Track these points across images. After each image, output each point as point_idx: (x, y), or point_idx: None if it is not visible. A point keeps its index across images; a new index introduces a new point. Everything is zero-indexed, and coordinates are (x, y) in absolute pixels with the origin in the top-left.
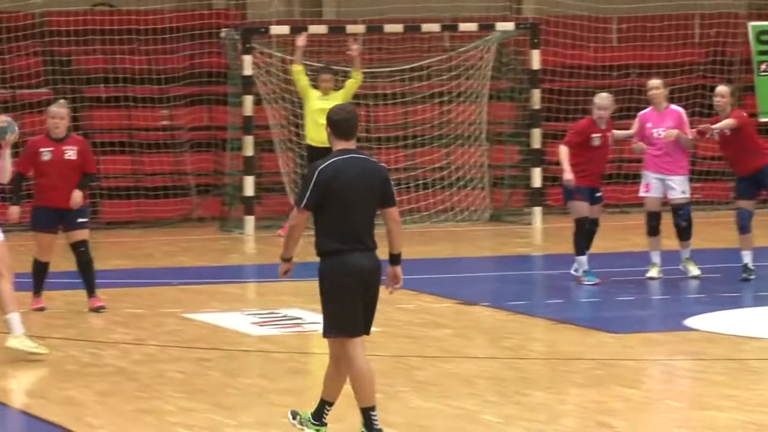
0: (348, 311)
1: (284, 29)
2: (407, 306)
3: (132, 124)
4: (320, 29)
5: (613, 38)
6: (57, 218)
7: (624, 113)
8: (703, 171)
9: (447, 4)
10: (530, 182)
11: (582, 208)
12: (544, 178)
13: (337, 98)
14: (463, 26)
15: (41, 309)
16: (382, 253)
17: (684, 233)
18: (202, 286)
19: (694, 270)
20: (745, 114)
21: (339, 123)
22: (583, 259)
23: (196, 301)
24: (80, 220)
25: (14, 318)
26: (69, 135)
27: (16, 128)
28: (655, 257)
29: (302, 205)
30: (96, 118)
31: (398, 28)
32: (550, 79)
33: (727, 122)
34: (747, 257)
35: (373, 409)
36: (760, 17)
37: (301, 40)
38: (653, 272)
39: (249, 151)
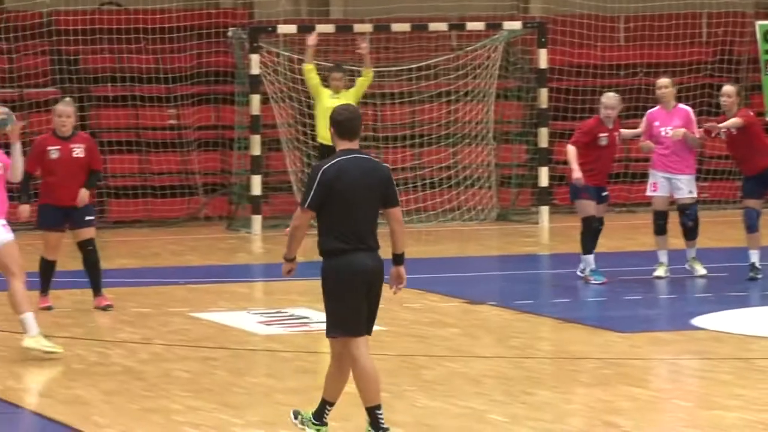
0: (351, 311)
1: (291, 28)
2: (414, 305)
3: (139, 123)
4: (327, 28)
5: (620, 37)
6: (64, 216)
7: (631, 112)
8: (711, 170)
9: (454, 3)
10: (537, 181)
11: (589, 207)
12: (551, 178)
13: (348, 96)
14: (471, 25)
15: (48, 308)
16: (385, 253)
17: (690, 233)
18: (209, 286)
19: (700, 269)
20: (751, 113)
21: (342, 123)
22: (590, 258)
23: (203, 300)
24: (87, 218)
25: (29, 318)
26: (76, 133)
27: (15, 119)
28: (663, 256)
29: (305, 205)
30: (103, 117)
31: (405, 27)
32: (557, 78)
33: (733, 121)
34: (754, 256)
35: (378, 408)
36: (767, 16)
37: (312, 39)
38: (660, 271)
39: (256, 150)
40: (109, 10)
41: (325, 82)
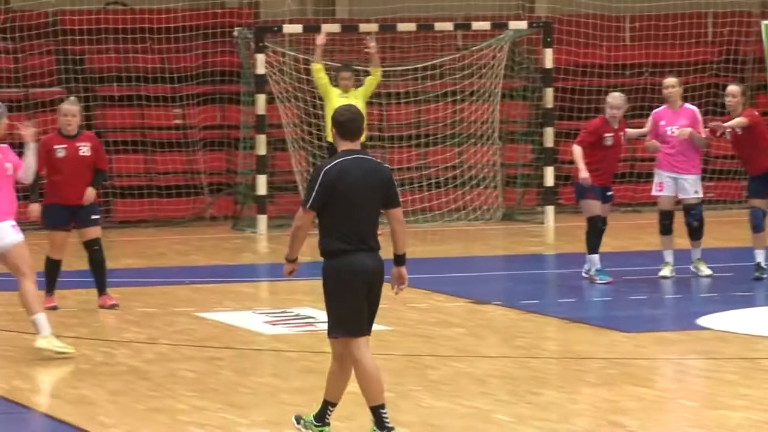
0: (352, 311)
1: (297, 28)
2: (419, 305)
3: (145, 123)
4: (333, 28)
5: (626, 37)
6: (70, 215)
7: (637, 112)
8: (716, 170)
9: (460, 2)
10: (543, 181)
11: (594, 206)
12: (557, 177)
13: (357, 95)
14: (476, 25)
15: (54, 308)
16: (387, 253)
17: (695, 233)
18: (214, 285)
19: (705, 270)
20: (756, 113)
21: (344, 124)
22: (596, 257)
23: (209, 300)
24: (93, 217)
25: (41, 318)
26: (81, 132)
27: (6, 116)
28: (668, 256)
29: (308, 206)
30: (109, 116)
31: (411, 26)
32: (563, 78)
33: (738, 121)
34: (760, 256)
35: (383, 407)
36: None
37: (320, 39)
38: (666, 271)
39: (262, 149)
40: (114, 10)
41: (334, 81)
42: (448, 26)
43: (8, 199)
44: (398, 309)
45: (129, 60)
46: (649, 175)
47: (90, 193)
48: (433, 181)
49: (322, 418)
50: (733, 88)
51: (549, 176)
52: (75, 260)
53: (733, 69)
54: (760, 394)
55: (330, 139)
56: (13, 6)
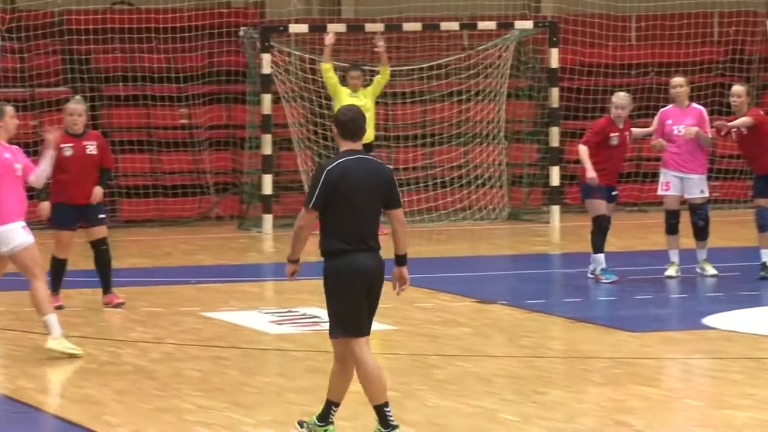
0: (352, 311)
1: (303, 28)
2: (425, 304)
3: (151, 123)
4: (339, 28)
5: (631, 36)
6: (78, 215)
7: (642, 112)
8: (722, 169)
9: (465, 2)
10: (548, 181)
11: (600, 206)
12: (563, 177)
13: (366, 95)
14: (482, 24)
15: (59, 307)
16: (388, 253)
17: (701, 233)
18: (220, 285)
19: (711, 270)
20: (762, 112)
21: (346, 124)
22: (601, 257)
23: (214, 299)
24: (100, 216)
25: (52, 319)
26: (87, 131)
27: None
28: (674, 256)
29: (310, 205)
30: (115, 116)
31: (417, 26)
32: (568, 78)
33: (743, 120)
34: (766, 255)
35: (386, 405)
36: None
37: (329, 39)
38: (671, 271)
39: (267, 149)
40: (120, 10)
41: (342, 81)
42: (454, 26)
43: (18, 199)
44: (404, 308)
45: (135, 60)
46: (655, 175)
47: (98, 192)
48: (439, 180)
49: (325, 417)
50: (738, 88)
51: (555, 176)
52: (81, 260)
53: (738, 69)
54: (765, 393)
55: None
56: (19, 6)
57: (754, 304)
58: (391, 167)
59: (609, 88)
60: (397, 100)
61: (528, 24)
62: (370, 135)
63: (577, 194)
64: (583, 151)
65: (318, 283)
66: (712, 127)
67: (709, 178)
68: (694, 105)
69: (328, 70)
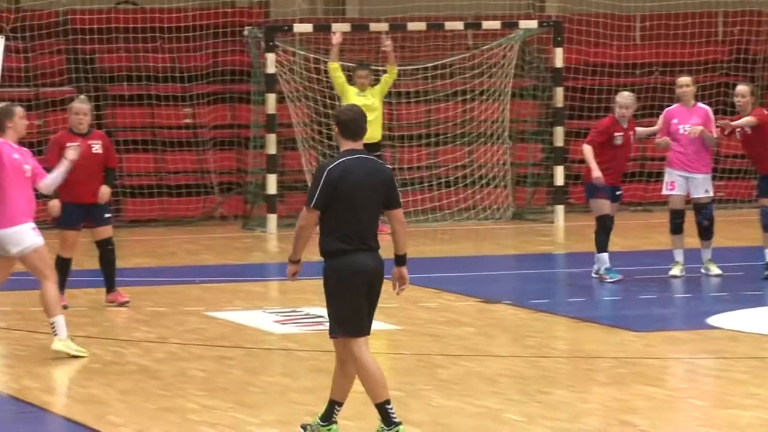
0: (352, 311)
1: (307, 27)
2: (429, 304)
3: (155, 122)
4: (343, 27)
5: (636, 36)
6: (84, 214)
7: (647, 111)
8: (726, 169)
9: (470, 1)
10: (553, 180)
11: (604, 206)
12: (567, 176)
13: (374, 94)
14: (486, 24)
15: (64, 307)
16: (387, 253)
17: (706, 232)
18: (224, 285)
19: (715, 270)
20: (766, 112)
21: (347, 123)
22: (605, 256)
23: (219, 299)
24: (106, 215)
25: (60, 321)
26: (92, 130)
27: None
28: (678, 255)
29: (311, 205)
30: (119, 116)
31: (421, 26)
32: (573, 77)
33: (747, 120)
34: None
35: (388, 402)
36: None
37: (336, 38)
38: (676, 270)
39: (272, 149)
40: (125, 9)
41: (350, 80)
42: (459, 25)
43: (27, 200)
44: (408, 308)
45: (139, 59)
46: (660, 175)
47: (105, 192)
48: (443, 180)
49: (328, 417)
50: (742, 88)
51: (559, 175)
52: (85, 259)
53: (743, 68)
54: None
55: None
56: (24, 5)
57: (759, 303)
58: (395, 167)
59: (613, 87)
60: (402, 100)
61: (532, 23)
62: (377, 134)
63: (582, 194)
64: (587, 150)
65: (321, 283)
66: (716, 126)
67: (713, 178)
68: (700, 105)
69: (335, 69)
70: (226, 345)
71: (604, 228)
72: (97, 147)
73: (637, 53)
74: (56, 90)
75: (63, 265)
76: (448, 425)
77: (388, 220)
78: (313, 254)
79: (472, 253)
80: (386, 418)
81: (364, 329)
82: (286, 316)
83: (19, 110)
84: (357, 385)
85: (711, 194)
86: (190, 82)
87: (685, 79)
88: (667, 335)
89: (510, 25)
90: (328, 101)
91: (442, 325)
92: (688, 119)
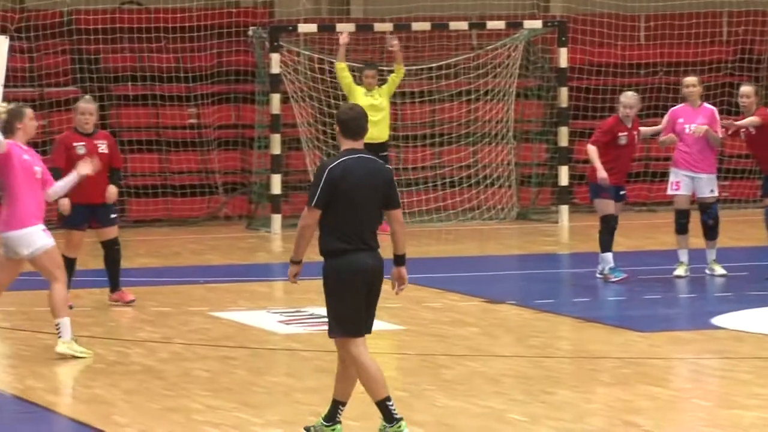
0: (351, 311)
1: (312, 27)
2: (433, 304)
3: (159, 122)
4: (348, 27)
5: (640, 36)
6: (90, 214)
7: (651, 111)
8: (731, 169)
9: (475, 2)
10: (557, 180)
11: (608, 206)
12: (572, 177)
13: (382, 93)
14: (491, 24)
15: (69, 307)
16: (387, 253)
17: (711, 232)
18: (228, 285)
19: (719, 270)
20: None
21: (347, 123)
22: (609, 256)
23: (223, 299)
24: (112, 216)
25: (66, 323)
26: (97, 130)
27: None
28: (683, 256)
29: (313, 204)
30: (124, 116)
31: (426, 26)
32: (577, 77)
33: (751, 120)
34: None
35: (388, 399)
36: None
37: (343, 38)
38: (680, 271)
39: (276, 149)
40: (129, 9)
41: (357, 80)
42: (463, 25)
43: (37, 202)
44: (412, 308)
45: (144, 59)
46: (664, 174)
47: (113, 192)
48: (448, 180)
49: (332, 417)
50: (746, 89)
51: (563, 175)
52: (90, 259)
53: (747, 68)
54: None
55: None
56: (28, 5)
57: (763, 304)
58: (400, 167)
59: (618, 87)
60: (406, 100)
61: (537, 23)
62: (384, 134)
63: (586, 194)
64: (592, 150)
65: None
66: (721, 126)
67: (718, 178)
68: (706, 105)
69: (342, 69)
70: (231, 345)
71: (608, 228)
72: (102, 147)
73: (641, 53)
74: (60, 90)
75: (68, 265)
76: (452, 425)
77: (388, 221)
78: (316, 255)
79: (477, 253)
80: (387, 414)
81: (362, 329)
82: (291, 316)
83: (29, 111)
84: (360, 386)
85: (716, 194)
86: (194, 82)
87: (691, 79)
88: (672, 335)
89: (514, 25)
90: (333, 101)
91: (446, 325)
92: (694, 119)
